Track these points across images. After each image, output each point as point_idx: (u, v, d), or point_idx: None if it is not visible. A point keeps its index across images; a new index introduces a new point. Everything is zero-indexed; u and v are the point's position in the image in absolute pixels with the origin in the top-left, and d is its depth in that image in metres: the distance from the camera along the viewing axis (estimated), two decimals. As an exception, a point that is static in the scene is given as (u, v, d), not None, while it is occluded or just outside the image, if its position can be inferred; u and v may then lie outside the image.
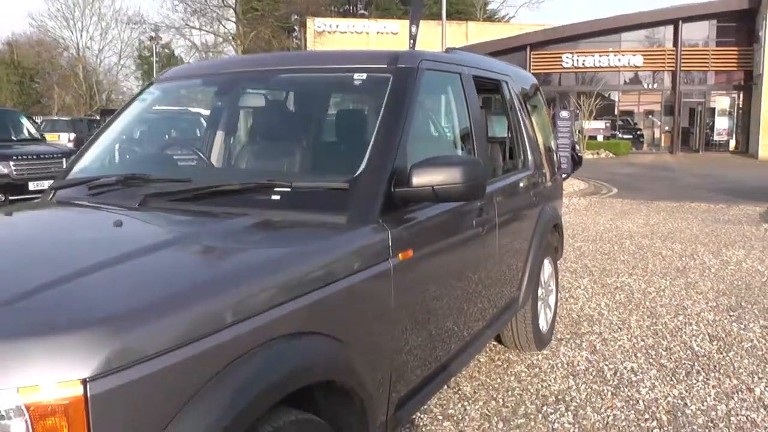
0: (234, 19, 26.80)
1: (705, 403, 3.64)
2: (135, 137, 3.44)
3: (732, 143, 34.87)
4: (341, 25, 45.47)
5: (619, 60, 35.61)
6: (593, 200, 13.36)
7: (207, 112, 14.05)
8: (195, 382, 1.54)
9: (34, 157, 11.33)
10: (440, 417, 3.45)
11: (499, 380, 3.96)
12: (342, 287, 2.03)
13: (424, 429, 3.31)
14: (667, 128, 35.79)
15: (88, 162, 3.11)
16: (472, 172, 2.38)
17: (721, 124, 35.26)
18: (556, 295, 4.82)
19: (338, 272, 2.05)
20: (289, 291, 1.84)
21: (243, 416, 1.59)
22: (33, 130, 13.13)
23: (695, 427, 3.36)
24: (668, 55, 34.80)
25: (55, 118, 29.49)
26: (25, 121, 13.35)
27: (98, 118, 27.03)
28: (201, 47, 33.07)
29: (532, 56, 36.66)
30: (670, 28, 34.97)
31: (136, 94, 3.46)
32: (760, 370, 4.11)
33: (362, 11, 56.09)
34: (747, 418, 3.47)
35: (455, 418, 3.45)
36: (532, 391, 3.81)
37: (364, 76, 2.82)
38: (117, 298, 1.60)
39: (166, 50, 52.86)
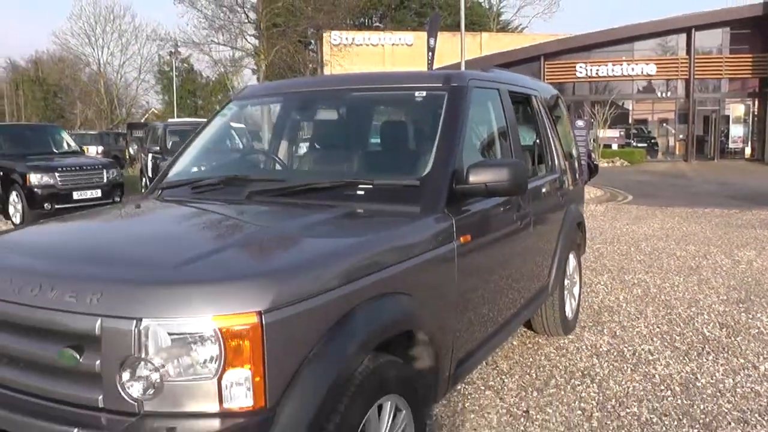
0: (255, 34, 27.59)
1: (714, 378, 4.14)
2: (218, 147, 4.00)
3: (747, 151, 35.09)
4: (357, 38, 46.25)
5: (633, 69, 35.95)
6: (609, 206, 13.83)
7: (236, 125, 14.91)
8: (329, 321, 2.11)
9: (77, 168, 12.03)
10: (482, 387, 3.97)
11: (531, 359, 4.47)
12: (421, 261, 2.60)
13: (469, 397, 3.83)
14: (681, 136, 36.09)
15: (181, 167, 3.68)
16: (517, 172, 2.92)
17: (736, 131, 35.48)
18: (580, 287, 5.34)
19: (418, 249, 2.62)
20: (385, 261, 2.42)
21: (360, 353, 2.15)
22: (73, 144, 13.86)
23: (705, 396, 3.86)
24: (681, 63, 35.13)
25: (83, 131, 30.50)
26: (65, 135, 14.11)
27: (125, 131, 27.89)
28: (222, 62, 33.90)
29: (546, 66, 37.04)
30: (683, 37, 35.32)
31: (217, 111, 4.04)
32: (765, 352, 4.59)
33: (377, 24, 56.93)
34: (751, 390, 3.96)
35: (495, 388, 3.97)
36: (560, 367, 4.32)
37: (424, 93, 3.39)
38: (277, 258, 2.25)
39: (185, 65, 53.93)
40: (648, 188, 18.30)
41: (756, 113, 34.85)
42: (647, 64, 35.87)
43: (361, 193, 2.94)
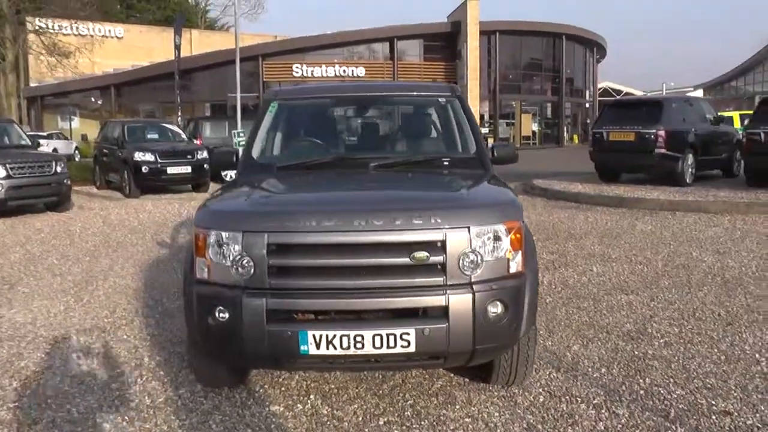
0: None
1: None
2: (280, 137, 4.81)
3: (443, 142, 41.75)
4: (65, 27, 43.21)
5: (344, 70, 40.24)
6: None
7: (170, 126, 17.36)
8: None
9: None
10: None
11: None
12: None
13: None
14: (385, 128, 41.33)
15: (258, 153, 4.45)
16: (513, 150, 4.64)
17: (438, 126, 41.98)
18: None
19: None
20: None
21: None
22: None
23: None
24: (386, 66, 40.49)
25: None
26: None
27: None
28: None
29: (264, 66, 39.40)
30: (387, 44, 40.66)
31: (263, 109, 4.65)
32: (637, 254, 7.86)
33: (81, 11, 53.22)
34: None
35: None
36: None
37: (444, 99, 4.84)
38: (501, 196, 3.51)
39: None
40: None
41: (449, 111, 41.64)
42: (357, 66, 40.48)
43: (445, 163, 4.30)
